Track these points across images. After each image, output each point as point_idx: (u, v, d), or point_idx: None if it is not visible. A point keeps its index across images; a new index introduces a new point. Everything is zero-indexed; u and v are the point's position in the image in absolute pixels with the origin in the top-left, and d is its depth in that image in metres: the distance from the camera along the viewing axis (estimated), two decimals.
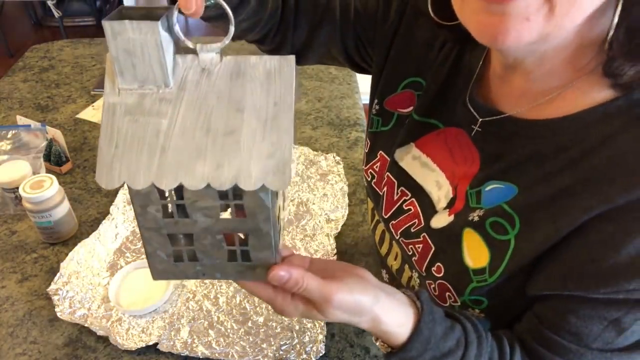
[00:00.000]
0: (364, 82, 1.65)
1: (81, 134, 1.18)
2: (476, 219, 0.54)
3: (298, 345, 0.73)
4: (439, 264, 0.58)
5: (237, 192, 0.39)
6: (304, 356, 0.72)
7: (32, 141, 1.05)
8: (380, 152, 0.68)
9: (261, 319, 0.78)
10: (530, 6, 0.39)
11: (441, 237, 0.58)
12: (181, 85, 0.39)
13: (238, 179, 0.37)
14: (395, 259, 0.69)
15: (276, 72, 0.39)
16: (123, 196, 0.98)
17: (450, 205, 0.58)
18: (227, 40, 0.39)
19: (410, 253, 0.62)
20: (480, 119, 0.55)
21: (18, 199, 0.94)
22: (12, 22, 3.93)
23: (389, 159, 0.66)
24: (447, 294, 0.57)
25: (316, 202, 1.00)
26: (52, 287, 0.80)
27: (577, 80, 0.48)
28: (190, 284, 0.82)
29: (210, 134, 0.38)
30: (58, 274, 0.82)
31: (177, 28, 0.38)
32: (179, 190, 0.39)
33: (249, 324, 0.77)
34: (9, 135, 1.06)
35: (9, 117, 1.23)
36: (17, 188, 0.87)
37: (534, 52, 0.48)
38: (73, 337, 0.75)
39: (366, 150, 0.72)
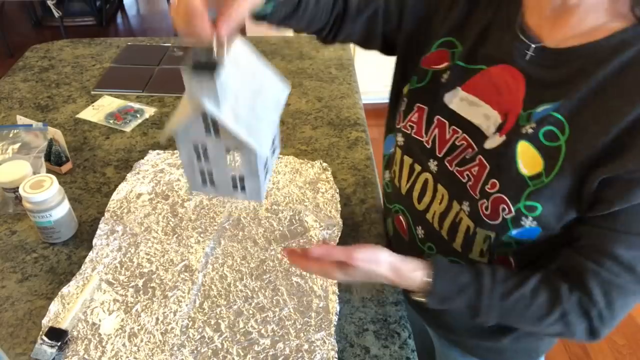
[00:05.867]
0: (363, 82, 1.65)
1: (81, 134, 1.18)
2: (530, 131, 0.61)
3: None
4: (493, 180, 0.65)
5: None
6: None
7: (32, 141, 1.05)
8: (417, 104, 0.76)
9: (268, 341, 0.73)
10: None
11: (497, 155, 0.65)
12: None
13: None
14: (441, 202, 0.75)
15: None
16: (124, 195, 0.99)
17: (499, 129, 0.66)
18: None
19: (465, 180, 0.70)
20: (529, 51, 0.64)
21: (18, 199, 0.94)
22: (12, 22, 3.93)
23: (426, 108, 0.75)
24: (502, 206, 0.64)
25: (309, 213, 0.95)
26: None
27: (610, 23, 0.58)
28: (184, 306, 0.82)
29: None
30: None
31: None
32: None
33: (256, 347, 0.73)
34: (10, 135, 1.07)
35: (9, 117, 1.23)
36: (17, 188, 0.87)
37: None
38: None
39: (403, 109, 0.78)
